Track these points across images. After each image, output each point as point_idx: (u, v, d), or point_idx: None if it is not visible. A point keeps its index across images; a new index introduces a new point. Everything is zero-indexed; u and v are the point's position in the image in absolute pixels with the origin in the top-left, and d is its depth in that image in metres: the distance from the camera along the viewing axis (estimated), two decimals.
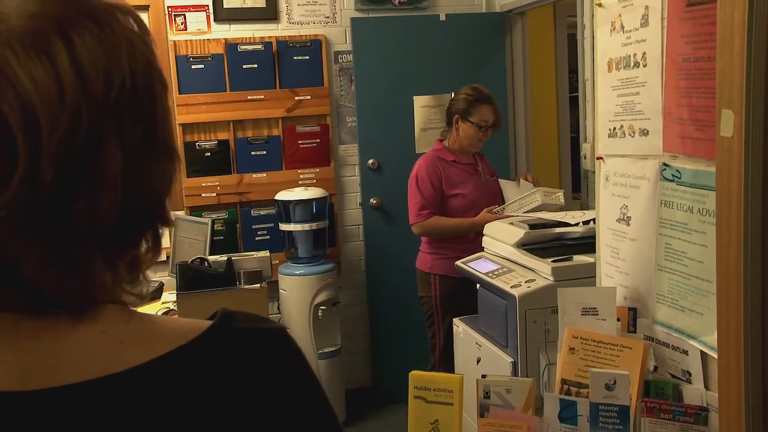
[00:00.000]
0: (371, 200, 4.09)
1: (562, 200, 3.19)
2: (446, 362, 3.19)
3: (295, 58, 3.97)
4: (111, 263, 0.59)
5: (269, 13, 3.93)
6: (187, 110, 3.85)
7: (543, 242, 2.58)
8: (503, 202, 3.31)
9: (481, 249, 2.81)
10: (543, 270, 2.35)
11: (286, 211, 3.78)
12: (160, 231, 0.63)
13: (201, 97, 3.87)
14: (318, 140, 4.06)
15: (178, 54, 3.83)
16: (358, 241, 4.19)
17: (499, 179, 3.49)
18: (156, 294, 3.22)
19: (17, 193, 0.52)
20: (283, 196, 3.76)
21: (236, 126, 3.96)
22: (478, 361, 2.58)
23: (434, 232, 3.30)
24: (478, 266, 2.65)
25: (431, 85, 4.05)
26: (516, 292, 2.31)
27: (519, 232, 2.57)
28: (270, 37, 3.94)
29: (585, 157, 3.48)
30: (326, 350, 3.81)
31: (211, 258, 3.07)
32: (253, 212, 4.03)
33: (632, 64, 1.71)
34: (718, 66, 1.14)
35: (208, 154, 3.94)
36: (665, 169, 1.60)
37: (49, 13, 0.54)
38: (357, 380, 4.18)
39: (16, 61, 0.52)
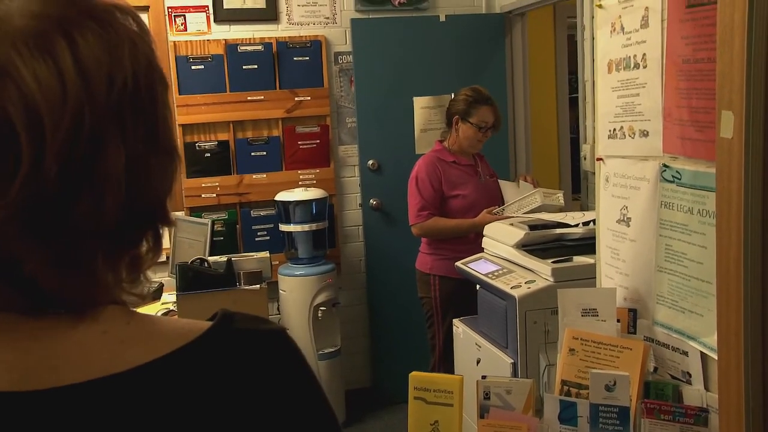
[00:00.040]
0: (371, 201, 4.10)
1: (562, 201, 3.19)
2: (446, 363, 3.19)
3: (295, 58, 3.98)
4: (112, 263, 0.59)
5: (269, 14, 3.93)
6: (187, 111, 3.85)
7: (543, 243, 2.58)
8: (503, 203, 3.31)
9: (481, 250, 2.81)
10: (543, 271, 2.35)
11: (285, 211, 3.78)
12: (161, 231, 0.63)
13: (201, 98, 3.87)
14: (318, 141, 4.06)
15: (178, 54, 3.83)
16: (358, 242, 4.19)
17: (498, 180, 3.49)
18: (156, 294, 3.22)
19: (20, 192, 0.52)
20: (282, 196, 3.76)
21: (236, 127, 3.96)
22: (478, 362, 2.58)
23: (434, 233, 3.30)
24: (478, 267, 2.65)
25: (431, 86, 4.06)
26: (516, 293, 2.31)
27: (519, 233, 2.57)
28: (270, 37, 3.94)
29: (585, 158, 3.48)
30: (326, 351, 3.81)
31: (211, 259, 3.08)
32: (253, 213, 4.03)
33: (632, 66, 1.71)
34: (718, 67, 1.14)
35: (208, 154, 3.94)
36: (665, 171, 1.60)
37: (52, 13, 0.54)
38: (357, 381, 4.18)
39: (21, 61, 0.52)
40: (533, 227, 2.64)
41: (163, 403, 0.58)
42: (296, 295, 3.75)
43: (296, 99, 3.99)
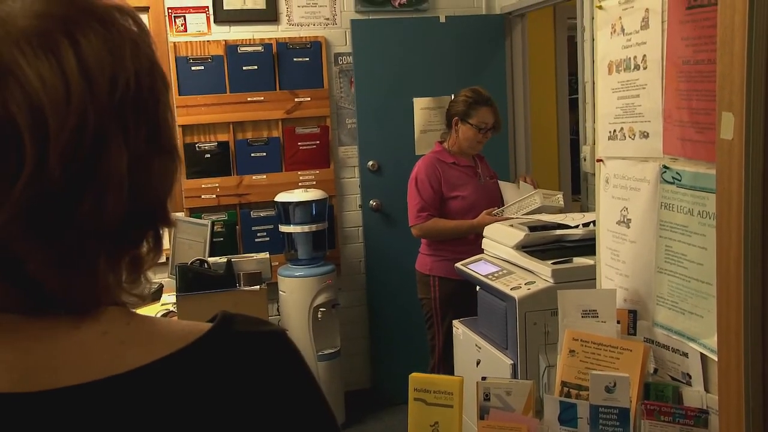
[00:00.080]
0: (371, 202, 4.09)
1: (562, 202, 3.19)
2: (445, 364, 3.19)
3: (295, 59, 3.98)
4: (113, 263, 0.59)
5: (269, 15, 3.93)
6: (186, 112, 3.85)
7: (543, 244, 2.59)
8: (503, 205, 3.31)
9: (481, 251, 2.81)
10: (543, 272, 2.35)
11: (285, 212, 3.78)
12: (161, 232, 0.63)
13: (201, 99, 3.87)
14: (318, 142, 4.06)
15: (178, 55, 3.83)
16: (358, 243, 4.19)
17: (498, 181, 3.49)
18: (155, 295, 3.22)
19: (24, 192, 0.52)
20: (282, 197, 3.76)
21: (236, 127, 3.96)
22: (478, 363, 2.58)
23: (433, 234, 3.30)
24: (478, 268, 2.65)
25: (431, 87, 4.06)
26: (516, 294, 2.31)
27: (519, 235, 2.57)
28: (270, 38, 3.94)
29: (585, 159, 3.48)
30: (326, 352, 3.81)
31: (211, 259, 3.07)
32: (253, 214, 4.03)
33: (632, 67, 1.71)
34: (719, 68, 1.14)
35: (208, 155, 3.94)
36: (665, 172, 1.60)
37: (55, 13, 0.54)
38: (356, 382, 4.18)
39: (25, 61, 0.52)
40: (533, 228, 2.64)
41: (163, 405, 0.58)
42: (296, 296, 3.75)
43: (296, 100, 3.99)
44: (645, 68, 1.66)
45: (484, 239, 2.82)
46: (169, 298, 3.12)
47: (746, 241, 1.11)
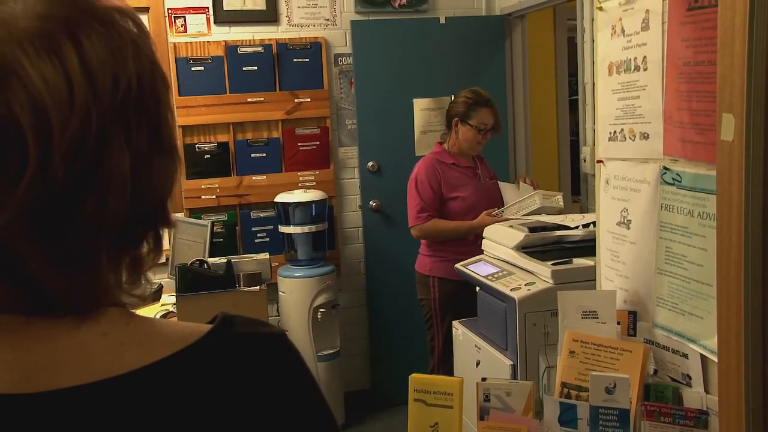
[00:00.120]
0: (371, 203, 4.09)
1: (561, 203, 3.19)
2: (445, 365, 3.19)
3: (295, 60, 3.98)
4: (114, 264, 0.59)
5: (269, 16, 3.93)
6: (186, 112, 3.85)
7: (543, 245, 2.59)
8: (503, 205, 3.31)
9: (481, 252, 2.81)
10: (543, 273, 2.35)
11: (285, 213, 3.78)
12: (161, 232, 0.63)
13: (201, 99, 3.87)
14: (318, 143, 4.06)
15: (178, 56, 3.83)
16: (358, 244, 4.19)
17: (498, 182, 3.49)
18: (155, 296, 3.22)
19: (27, 192, 0.52)
20: (282, 198, 3.76)
21: (236, 128, 3.96)
22: (478, 363, 2.58)
23: (433, 234, 3.30)
24: (478, 269, 2.65)
25: (431, 88, 4.06)
26: (516, 295, 2.31)
27: (519, 235, 2.57)
28: (270, 39, 3.94)
29: (585, 160, 3.48)
30: (325, 353, 3.81)
31: (211, 260, 3.07)
32: (253, 214, 4.03)
33: (633, 68, 1.71)
34: (719, 70, 1.14)
35: (208, 156, 3.94)
36: (665, 173, 1.60)
37: (57, 14, 0.54)
38: (356, 383, 4.18)
39: (28, 61, 0.52)
40: (533, 229, 2.64)
41: (163, 406, 0.58)
42: (296, 297, 3.74)
43: (296, 101, 3.99)
44: (645, 69, 1.66)
45: (483, 240, 2.82)
46: (168, 299, 3.12)
47: (746, 242, 1.11)
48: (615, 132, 1.80)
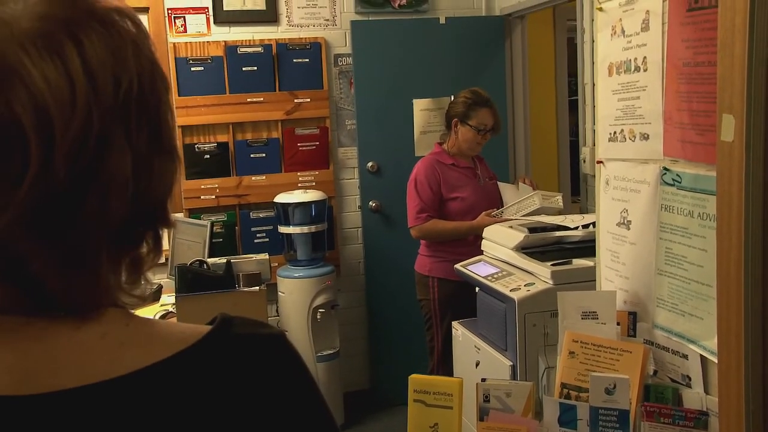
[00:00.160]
0: (370, 203, 4.09)
1: (561, 203, 3.19)
2: (445, 365, 3.19)
3: (294, 60, 3.97)
4: (115, 264, 0.59)
5: (269, 16, 3.93)
6: (186, 112, 3.85)
7: (542, 246, 2.58)
8: (502, 206, 3.31)
9: (480, 252, 2.81)
10: (542, 273, 2.35)
11: (285, 213, 3.78)
12: (161, 232, 0.63)
13: (200, 100, 3.87)
14: (317, 143, 4.06)
15: (177, 56, 3.83)
16: (357, 244, 4.19)
17: (498, 182, 3.49)
18: (155, 296, 3.21)
19: (29, 192, 0.52)
20: (282, 198, 3.76)
21: (235, 128, 3.96)
22: (477, 364, 2.57)
23: (432, 235, 3.30)
24: (478, 269, 2.65)
25: (431, 88, 4.06)
26: (515, 296, 2.30)
27: (518, 236, 2.57)
28: (270, 39, 3.94)
29: (584, 161, 3.48)
30: (325, 353, 3.80)
31: (210, 260, 3.07)
32: (252, 215, 4.03)
33: (633, 69, 1.71)
34: (719, 70, 1.14)
35: (208, 156, 3.94)
36: (665, 174, 1.60)
37: (57, 14, 0.54)
38: (355, 383, 4.18)
39: (30, 62, 0.52)
40: (533, 230, 2.64)
41: (163, 408, 0.58)
42: (295, 297, 3.74)
43: (296, 101, 3.99)
44: (645, 70, 1.66)
45: (483, 240, 2.82)
46: (168, 299, 3.12)
47: (746, 243, 1.11)
48: (615, 133, 1.80)
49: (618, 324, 1.67)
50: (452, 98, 3.50)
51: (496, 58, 4.16)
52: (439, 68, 4.06)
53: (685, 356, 1.58)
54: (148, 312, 2.90)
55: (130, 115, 0.56)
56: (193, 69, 3.85)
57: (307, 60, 3.99)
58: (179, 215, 3.77)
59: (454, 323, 2.84)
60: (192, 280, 2.81)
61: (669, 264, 1.60)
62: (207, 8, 3.85)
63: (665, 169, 1.60)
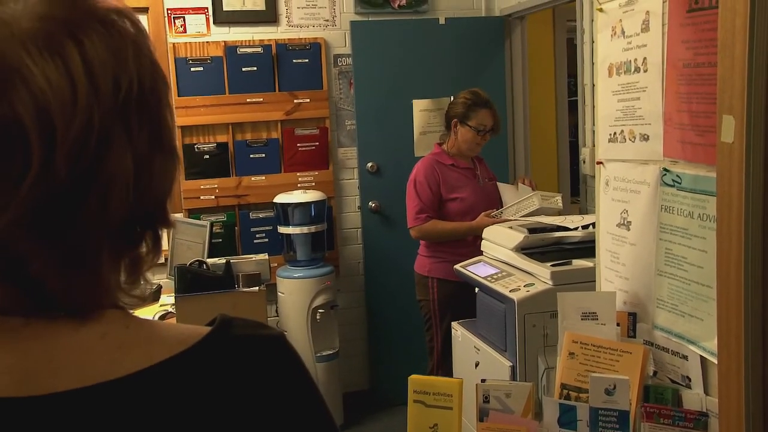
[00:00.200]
0: (370, 203, 4.09)
1: (560, 204, 3.19)
2: (444, 366, 3.19)
3: (294, 61, 3.97)
4: (115, 264, 0.59)
5: (269, 16, 3.93)
6: (186, 113, 3.84)
7: (542, 246, 2.58)
8: (502, 206, 3.31)
9: (480, 253, 2.81)
10: (542, 274, 2.35)
11: (284, 214, 3.78)
12: (160, 232, 0.63)
13: (200, 100, 3.87)
14: (317, 143, 4.06)
15: (177, 56, 3.83)
16: (357, 245, 4.19)
17: (497, 183, 3.49)
18: (154, 296, 3.21)
19: (30, 192, 0.52)
20: (281, 198, 3.76)
21: (235, 128, 3.96)
22: (477, 365, 2.57)
23: (432, 235, 3.30)
24: (477, 270, 2.65)
25: (430, 89, 4.06)
26: (515, 296, 2.30)
27: (518, 237, 2.57)
28: (269, 39, 3.94)
29: (584, 162, 3.48)
30: (324, 353, 3.80)
31: (210, 261, 3.07)
32: (252, 215, 4.02)
33: (633, 69, 1.71)
34: (719, 71, 1.14)
35: (207, 156, 3.94)
36: (665, 174, 1.60)
37: (57, 15, 0.54)
38: (355, 383, 4.18)
39: (31, 61, 0.52)
40: (532, 230, 2.64)
41: (162, 409, 0.57)
42: (295, 298, 3.74)
43: (295, 101, 3.98)
44: (645, 71, 1.66)
45: (483, 241, 2.82)
46: (167, 299, 3.12)
47: (746, 244, 1.11)
48: (615, 133, 1.80)
49: (618, 325, 1.67)
50: (452, 99, 3.50)
51: (495, 58, 4.16)
52: (438, 69, 4.06)
53: (685, 357, 1.58)
54: (148, 312, 2.90)
55: (130, 116, 0.56)
56: (192, 69, 3.85)
57: (307, 60, 3.99)
58: (179, 215, 3.76)
59: (454, 324, 2.84)
60: (191, 281, 2.81)
61: (669, 265, 1.60)
62: (207, 8, 3.85)
63: (665, 170, 1.60)
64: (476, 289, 2.66)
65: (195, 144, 3.91)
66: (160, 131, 0.60)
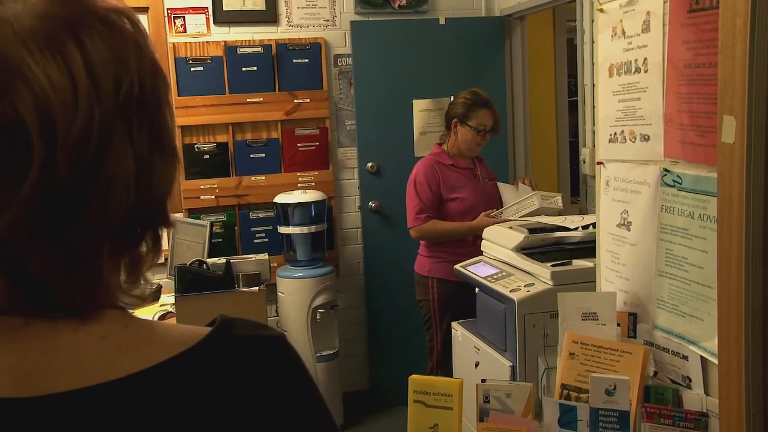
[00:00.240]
0: (370, 203, 4.09)
1: (560, 204, 3.19)
2: (444, 366, 3.19)
3: (294, 61, 3.97)
4: (115, 264, 0.59)
5: (269, 16, 3.93)
6: (186, 112, 3.84)
7: (542, 246, 2.58)
8: (502, 206, 3.31)
9: (480, 253, 2.81)
10: (542, 274, 2.34)
11: (284, 213, 3.78)
12: (160, 232, 0.63)
13: (200, 100, 3.87)
14: (317, 143, 4.06)
15: (177, 56, 3.82)
16: (357, 245, 4.19)
17: (497, 183, 3.49)
18: (154, 296, 3.21)
19: (31, 192, 0.52)
20: (281, 198, 3.76)
21: (235, 128, 3.95)
22: (477, 365, 2.57)
23: (432, 235, 3.30)
24: (477, 270, 2.65)
25: (430, 89, 4.06)
26: (515, 296, 2.30)
27: (518, 237, 2.57)
28: (269, 39, 3.94)
29: (584, 162, 3.48)
30: (324, 353, 3.80)
31: (210, 260, 3.07)
32: (252, 215, 4.02)
33: (633, 70, 1.71)
34: (720, 72, 1.14)
35: (207, 156, 3.93)
36: (666, 175, 1.60)
37: (58, 14, 0.54)
38: (355, 383, 4.18)
39: (32, 60, 0.52)
40: (533, 230, 2.64)
41: (162, 410, 0.57)
42: (295, 298, 3.74)
43: (295, 101, 3.98)
44: (646, 71, 1.66)
45: (483, 241, 2.82)
46: (167, 299, 3.12)
47: (747, 244, 1.11)
48: (615, 134, 1.80)
49: (618, 325, 1.67)
50: (452, 99, 3.50)
51: (495, 58, 4.16)
52: (438, 69, 4.06)
53: (686, 357, 1.58)
54: (148, 312, 2.90)
55: (131, 116, 0.56)
56: (192, 69, 3.85)
57: (307, 60, 3.99)
58: (179, 215, 3.76)
59: (454, 324, 2.84)
60: (191, 280, 2.81)
61: (669, 265, 1.60)
62: (207, 8, 3.85)
63: (666, 170, 1.60)
64: (476, 289, 2.66)
65: (195, 144, 3.91)
66: (160, 131, 0.60)
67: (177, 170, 0.63)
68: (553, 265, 2.35)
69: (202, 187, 3.92)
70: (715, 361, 1.32)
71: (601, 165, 1.89)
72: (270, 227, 4.00)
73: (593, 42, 1.94)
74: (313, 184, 4.03)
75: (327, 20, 4.01)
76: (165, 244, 3.52)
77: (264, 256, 3.13)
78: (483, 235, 2.84)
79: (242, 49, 3.89)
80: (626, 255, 1.78)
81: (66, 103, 0.52)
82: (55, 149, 0.52)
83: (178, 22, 3.83)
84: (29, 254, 0.53)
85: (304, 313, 3.72)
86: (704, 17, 1.44)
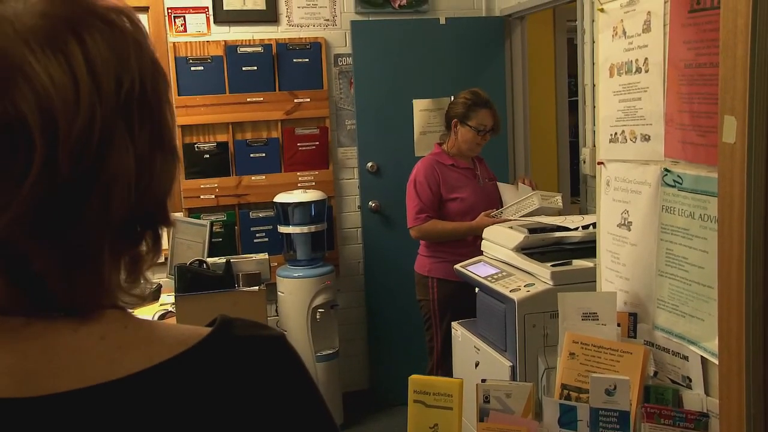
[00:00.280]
0: (370, 203, 4.09)
1: (560, 204, 3.19)
2: (444, 366, 3.19)
3: (294, 60, 3.97)
4: (115, 263, 0.59)
5: (269, 16, 3.93)
6: (186, 112, 3.84)
7: (542, 246, 2.58)
8: (502, 206, 3.31)
9: (480, 253, 2.81)
10: (542, 274, 2.34)
11: (284, 213, 3.78)
12: (160, 232, 0.63)
13: (200, 99, 3.86)
14: (317, 143, 4.06)
15: (177, 56, 3.82)
16: (357, 244, 4.18)
17: (497, 183, 3.49)
18: (154, 296, 3.21)
19: (32, 190, 0.52)
20: (281, 198, 3.76)
21: (235, 128, 3.95)
22: (477, 364, 2.57)
23: (432, 235, 3.30)
24: (477, 270, 2.64)
25: (431, 89, 4.05)
26: (515, 296, 2.30)
27: (518, 237, 2.57)
28: (270, 39, 3.94)
29: (584, 162, 3.48)
30: (324, 353, 3.80)
31: (210, 260, 3.07)
32: (252, 214, 4.02)
33: (634, 70, 1.71)
34: (721, 72, 1.14)
35: (207, 155, 3.93)
36: (666, 175, 1.60)
37: (59, 13, 0.54)
38: (355, 383, 4.18)
39: (34, 59, 0.52)
40: (533, 230, 2.64)
41: (162, 410, 0.57)
42: (295, 297, 3.74)
43: (295, 101, 3.98)
44: (646, 71, 1.66)
45: (483, 241, 2.82)
46: (167, 299, 3.12)
47: (748, 244, 1.11)
48: (616, 134, 1.80)
49: (618, 325, 1.67)
50: (452, 99, 3.50)
51: (496, 58, 4.16)
52: (439, 68, 4.06)
53: (686, 357, 1.58)
54: (148, 311, 2.90)
55: (132, 115, 0.56)
56: (192, 69, 3.85)
57: (307, 60, 3.99)
58: (179, 215, 3.76)
59: (454, 324, 2.84)
60: (191, 280, 2.81)
61: (670, 265, 1.60)
62: (207, 8, 3.85)
63: (666, 170, 1.60)
64: (476, 289, 2.66)
65: (195, 143, 3.90)
66: (161, 130, 0.60)
67: (177, 169, 0.63)
68: (553, 265, 2.35)
69: (202, 186, 3.92)
70: (716, 362, 1.32)
71: (602, 165, 1.88)
72: (270, 227, 4.00)
73: (594, 42, 1.94)
74: (313, 183, 4.03)
75: (327, 20, 4.01)
76: (165, 244, 3.52)
77: (264, 256, 3.13)
78: (483, 235, 2.84)
79: (242, 49, 3.89)
80: (626, 255, 1.78)
81: (68, 101, 0.52)
82: (56, 147, 0.52)
83: (179, 21, 3.83)
84: (29, 254, 0.53)
85: (304, 312, 3.72)
86: (705, 17, 1.44)
